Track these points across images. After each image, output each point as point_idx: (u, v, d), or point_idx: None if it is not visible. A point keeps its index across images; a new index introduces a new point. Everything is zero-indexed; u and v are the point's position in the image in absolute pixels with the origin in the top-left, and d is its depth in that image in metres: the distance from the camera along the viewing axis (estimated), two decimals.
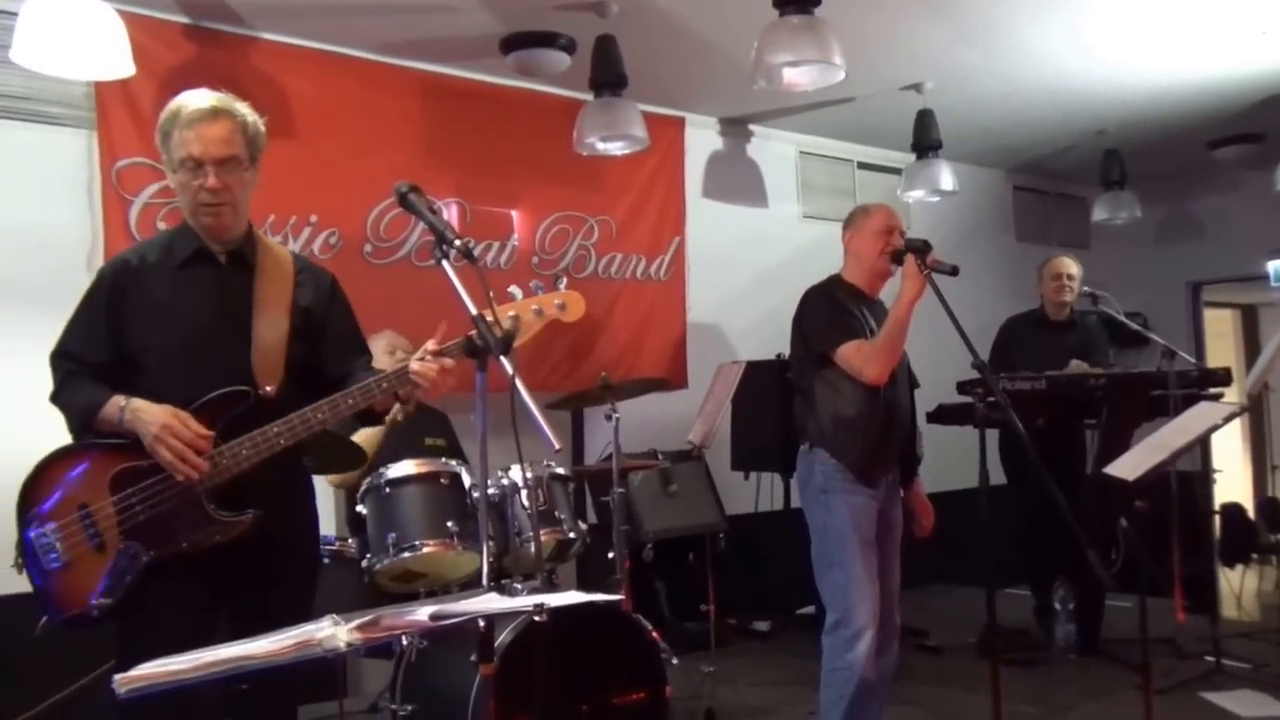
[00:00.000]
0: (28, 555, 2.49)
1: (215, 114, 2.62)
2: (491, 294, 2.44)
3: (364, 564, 3.81)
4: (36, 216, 4.56)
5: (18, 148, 4.57)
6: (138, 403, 2.53)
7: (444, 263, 2.41)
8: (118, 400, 2.54)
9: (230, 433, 2.56)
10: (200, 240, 2.69)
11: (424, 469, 3.88)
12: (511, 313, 2.53)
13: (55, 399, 2.65)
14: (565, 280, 2.73)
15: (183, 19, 4.86)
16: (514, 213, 5.97)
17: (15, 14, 3.97)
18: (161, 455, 2.48)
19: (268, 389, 2.64)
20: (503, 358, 2.27)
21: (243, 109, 2.69)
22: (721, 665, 5.03)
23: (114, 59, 4.05)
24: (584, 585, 5.86)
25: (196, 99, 2.63)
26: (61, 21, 3.90)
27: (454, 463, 4.00)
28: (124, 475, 2.53)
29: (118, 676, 1.67)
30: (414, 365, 2.60)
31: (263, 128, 2.73)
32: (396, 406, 3.89)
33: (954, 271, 3.52)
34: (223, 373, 2.60)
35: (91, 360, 2.63)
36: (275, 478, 2.66)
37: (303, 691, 3.75)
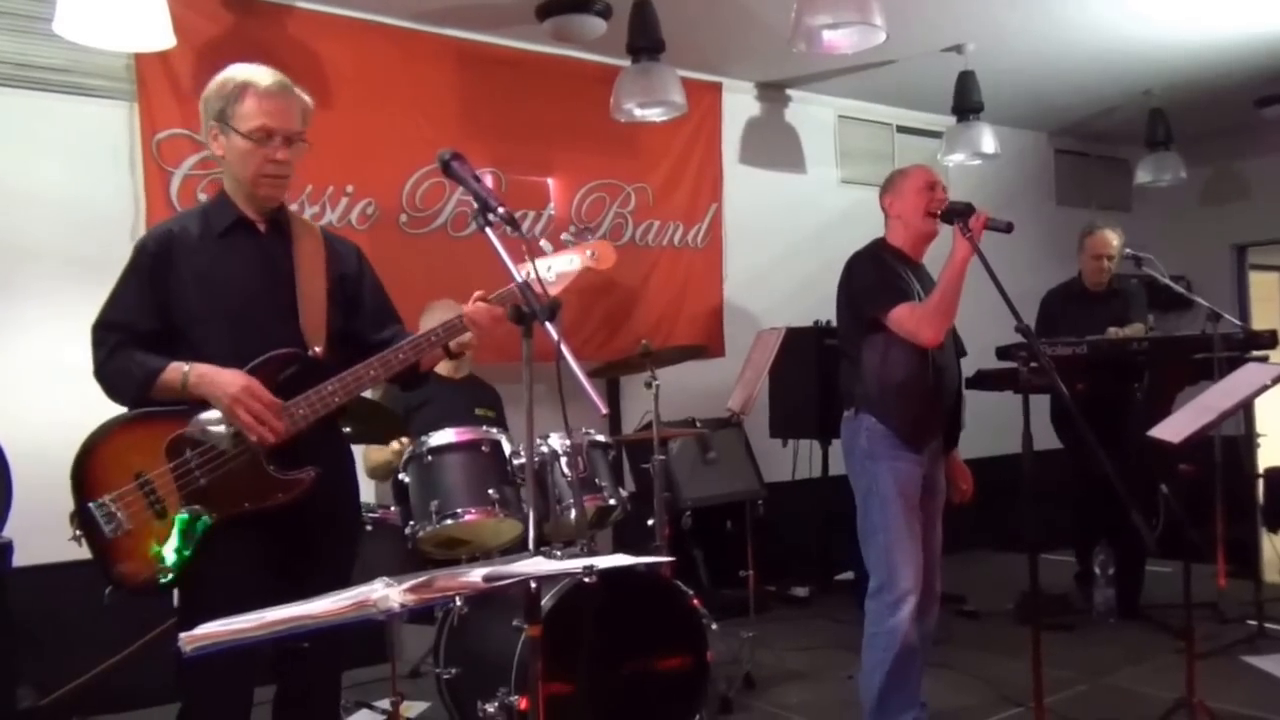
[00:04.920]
0: (87, 525, 2.50)
1: (288, 91, 2.69)
2: (533, 260, 2.49)
3: (407, 531, 3.85)
4: (79, 189, 4.61)
5: (60, 120, 4.62)
6: (203, 368, 2.55)
7: (487, 230, 2.43)
8: (179, 366, 2.56)
9: (282, 395, 2.59)
10: (239, 210, 2.73)
11: (465, 437, 3.90)
12: (546, 264, 2.58)
13: (102, 371, 2.64)
14: (594, 232, 2.77)
15: None
16: (550, 181, 5.96)
17: None
18: (240, 418, 2.51)
19: (317, 350, 2.69)
20: (548, 324, 2.30)
21: (301, 91, 2.75)
22: (760, 631, 5.05)
23: (154, 31, 4.07)
24: (622, 553, 5.90)
25: (267, 74, 2.68)
26: None
27: (494, 430, 4.02)
28: (179, 441, 2.55)
29: (183, 635, 1.70)
30: (467, 308, 2.72)
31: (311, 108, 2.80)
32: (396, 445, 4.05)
33: (1008, 228, 3.47)
34: (272, 337, 2.65)
35: (142, 329, 2.63)
36: (323, 441, 2.72)
37: (349, 656, 3.82)
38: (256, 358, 2.60)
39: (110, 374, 2.63)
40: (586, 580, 2.78)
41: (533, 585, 2.00)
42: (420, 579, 1.78)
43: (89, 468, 2.53)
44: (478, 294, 2.75)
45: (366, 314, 2.92)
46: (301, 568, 2.68)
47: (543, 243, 2.60)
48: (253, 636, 1.72)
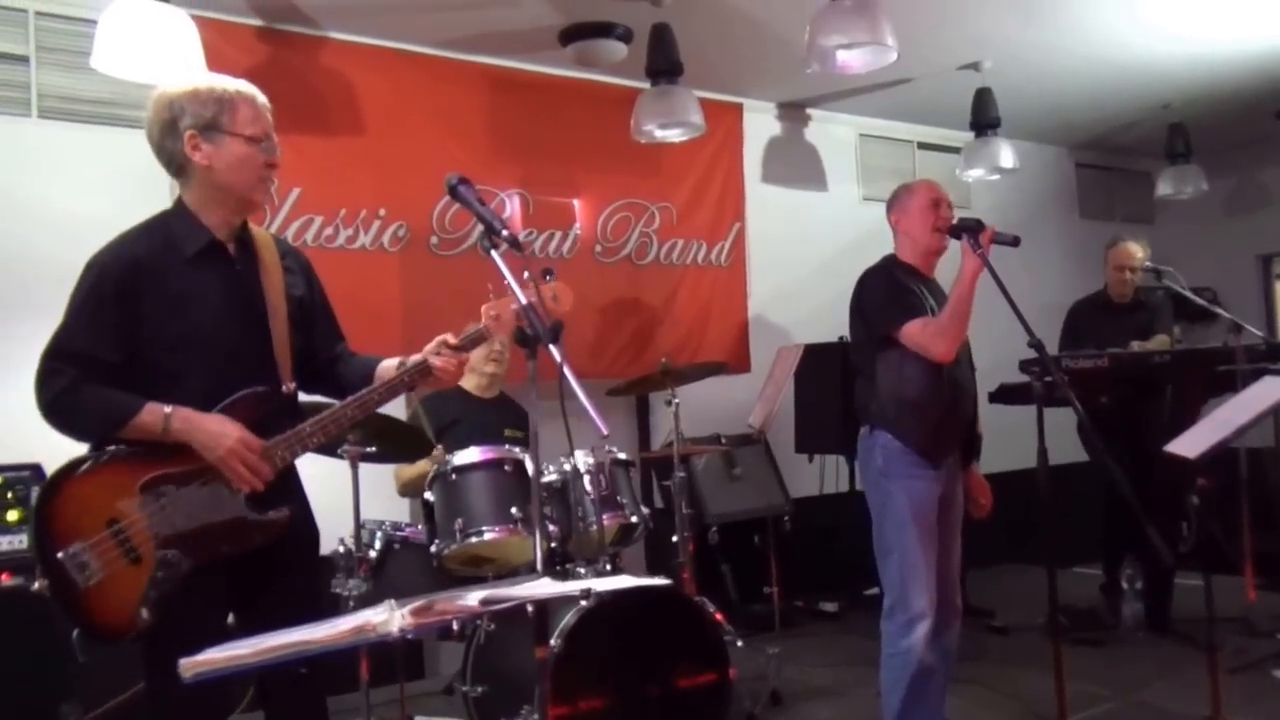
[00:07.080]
0: (57, 576, 2.36)
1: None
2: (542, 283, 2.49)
3: (433, 549, 3.90)
4: (120, 218, 4.61)
5: (101, 151, 4.75)
6: (186, 412, 2.40)
7: (493, 253, 2.45)
8: (159, 408, 2.39)
9: (257, 435, 2.48)
10: (210, 232, 2.56)
11: (489, 456, 3.94)
12: (513, 306, 2.49)
13: (59, 405, 2.40)
14: (554, 273, 2.69)
15: (255, 21, 5.02)
16: (576, 202, 6.05)
17: (95, 22, 4.13)
18: (235, 469, 2.41)
19: (290, 386, 2.59)
20: (552, 346, 2.31)
21: None
22: (790, 646, 5.06)
23: (187, 63, 4.13)
24: (653, 568, 5.96)
25: (248, 84, 2.62)
26: (138, 29, 4.05)
27: (518, 449, 4.06)
28: (153, 484, 2.41)
29: (183, 661, 1.67)
30: (435, 361, 2.60)
31: None
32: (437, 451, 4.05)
33: (1015, 242, 3.48)
34: (247, 370, 2.52)
35: (105, 360, 2.42)
36: (283, 477, 2.58)
37: (382, 674, 3.88)
38: (230, 392, 2.47)
39: (71, 409, 2.41)
40: (584, 601, 2.76)
41: (530, 609, 2.01)
42: (420, 603, 1.78)
43: (56, 513, 2.38)
44: (443, 339, 2.63)
45: (318, 333, 2.80)
46: (265, 602, 2.57)
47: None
48: (252, 663, 1.70)
